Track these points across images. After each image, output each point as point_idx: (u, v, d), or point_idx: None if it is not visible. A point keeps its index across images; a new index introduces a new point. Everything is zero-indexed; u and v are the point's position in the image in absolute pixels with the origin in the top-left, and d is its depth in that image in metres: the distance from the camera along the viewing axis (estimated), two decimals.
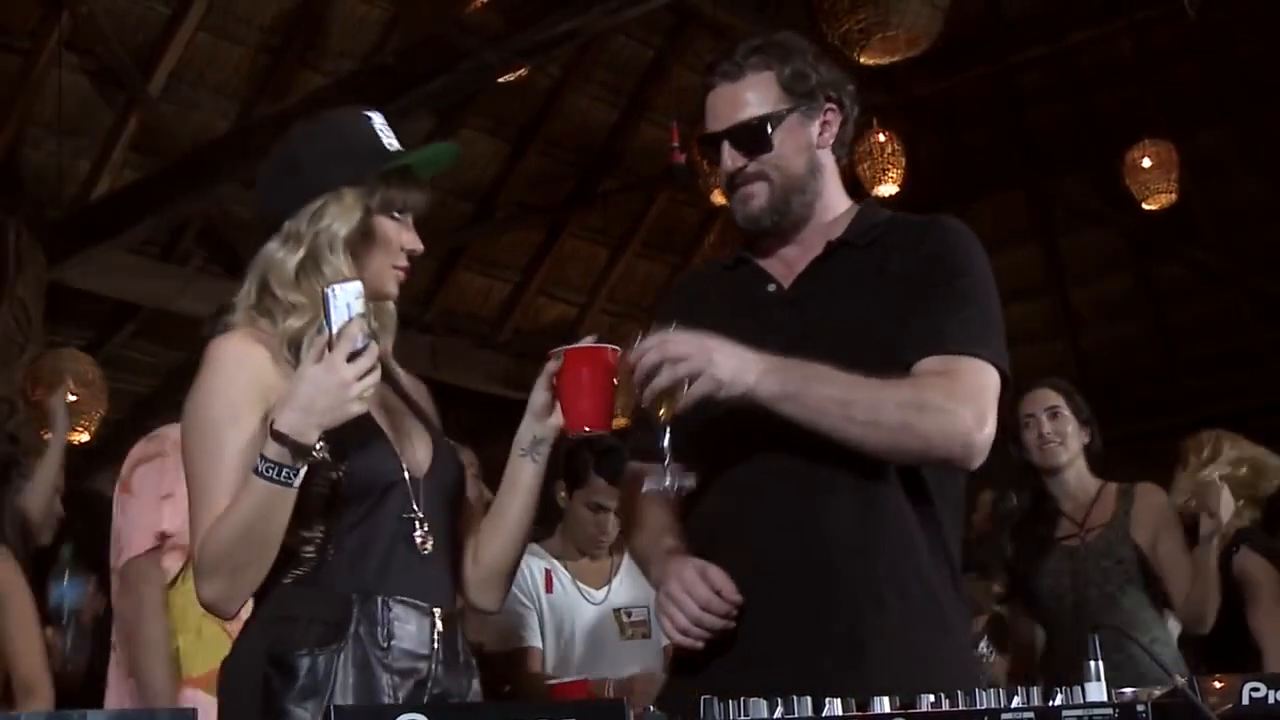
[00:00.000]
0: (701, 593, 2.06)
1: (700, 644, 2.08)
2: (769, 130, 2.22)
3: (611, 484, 3.80)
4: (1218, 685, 1.68)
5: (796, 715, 1.59)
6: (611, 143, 8.80)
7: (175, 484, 2.95)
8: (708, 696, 1.59)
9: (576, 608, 3.85)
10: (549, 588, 3.85)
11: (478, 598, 2.22)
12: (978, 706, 1.63)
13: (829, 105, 2.27)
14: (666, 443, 2.03)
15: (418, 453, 2.15)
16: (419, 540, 2.07)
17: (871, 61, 5.19)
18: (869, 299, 2.18)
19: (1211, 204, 8.74)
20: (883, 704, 1.61)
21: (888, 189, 7.00)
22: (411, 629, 2.03)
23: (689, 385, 1.98)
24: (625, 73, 8.66)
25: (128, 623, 3.15)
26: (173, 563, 3.09)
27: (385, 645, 1.99)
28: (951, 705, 1.63)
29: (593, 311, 9.42)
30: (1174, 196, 7.02)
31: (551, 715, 1.49)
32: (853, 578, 2.11)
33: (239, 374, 2.02)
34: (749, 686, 1.65)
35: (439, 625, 2.06)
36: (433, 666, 2.04)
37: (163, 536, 3.07)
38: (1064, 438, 4.07)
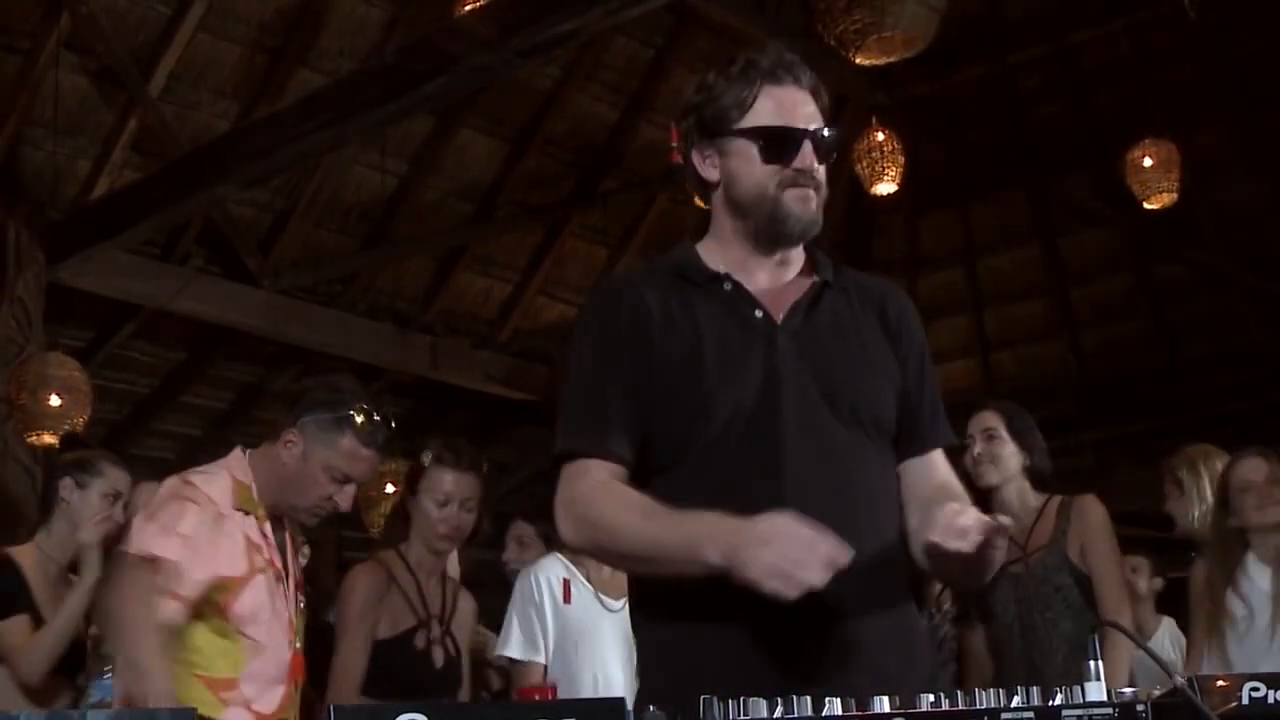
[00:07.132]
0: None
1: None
2: (834, 144, 2.23)
3: None
4: (1218, 685, 1.68)
5: (796, 715, 1.58)
6: (612, 143, 8.79)
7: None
8: (707, 696, 1.59)
9: (595, 617, 3.86)
10: (567, 598, 3.85)
11: None
12: (978, 706, 1.63)
13: None
14: None
15: None
16: None
17: (867, 62, 5.18)
18: (855, 345, 2.21)
19: (1211, 204, 8.72)
20: (883, 704, 1.61)
21: (886, 187, 6.97)
22: None
23: None
24: (625, 73, 8.65)
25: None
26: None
27: None
28: (951, 705, 1.63)
29: None
30: (1174, 196, 7.00)
31: (551, 715, 1.49)
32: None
33: None
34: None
35: None
36: None
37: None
38: (996, 460, 4.13)
